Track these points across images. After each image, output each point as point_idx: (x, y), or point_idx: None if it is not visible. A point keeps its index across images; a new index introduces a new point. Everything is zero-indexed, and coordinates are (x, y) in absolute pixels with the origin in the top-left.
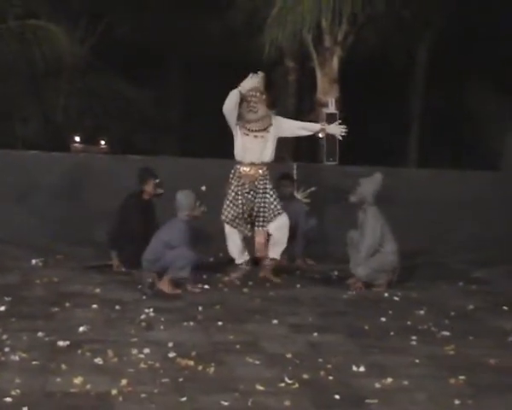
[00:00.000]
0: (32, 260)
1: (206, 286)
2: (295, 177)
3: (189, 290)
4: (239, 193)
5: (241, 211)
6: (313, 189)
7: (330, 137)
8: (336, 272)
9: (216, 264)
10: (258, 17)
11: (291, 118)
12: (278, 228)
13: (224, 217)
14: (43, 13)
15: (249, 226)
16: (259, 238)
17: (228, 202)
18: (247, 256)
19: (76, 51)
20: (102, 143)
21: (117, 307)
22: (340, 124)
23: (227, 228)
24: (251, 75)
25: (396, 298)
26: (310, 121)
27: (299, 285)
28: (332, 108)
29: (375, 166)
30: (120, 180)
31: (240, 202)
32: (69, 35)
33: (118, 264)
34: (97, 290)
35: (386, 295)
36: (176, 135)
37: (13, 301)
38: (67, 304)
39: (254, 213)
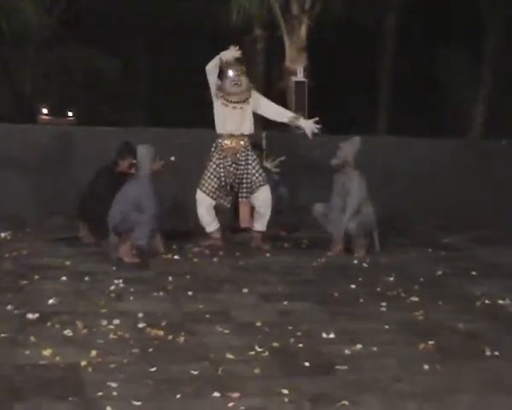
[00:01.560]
0: (1, 233)
1: (177, 256)
2: (264, 146)
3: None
4: (221, 166)
5: (223, 183)
6: (282, 158)
7: (299, 104)
8: (306, 241)
9: (186, 233)
10: None
11: (261, 87)
12: (262, 200)
13: (203, 188)
14: None
15: (229, 198)
16: (244, 209)
17: (208, 174)
18: (217, 224)
19: (43, 21)
20: (70, 114)
21: (86, 278)
22: (314, 119)
23: (200, 196)
24: (231, 46)
25: (365, 265)
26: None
27: (268, 254)
28: (300, 76)
29: (344, 134)
30: (88, 152)
31: (222, 174)
32: (36, 5)
33: (87, 235)
34: (67, 263)
35: (355, 262)
36: (144, 106)
37: None
38: (36, 277)
39: (237, 185)
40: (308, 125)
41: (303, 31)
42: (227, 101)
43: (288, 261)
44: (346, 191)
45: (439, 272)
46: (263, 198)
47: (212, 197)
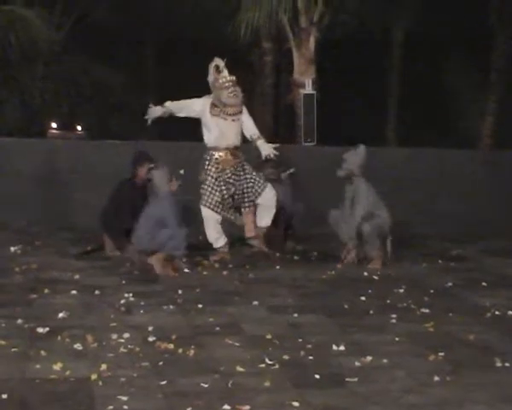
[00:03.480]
0: (11, 247)
1: (186, 269)
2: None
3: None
4: (220, 179)
5: (225, 196)
6: (292, 170)
7: (307, 117)
8: (315, 253)
9: (195, 247)
10: None
11: (269, 100)
12: (266, 199)
13: (207, 204)
14: None
15: (232, 210)
16: (248, 219)
17: (209, 189)
18: (225, 239)
19: (52, 36)
20: (79, 128)
21: (96, 292)
22: (273, 143)
23: (207, 213)
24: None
25: (375, 277)
26: (285, 104)
27: (278, 266)
28: (309, 89)
29: (353, 146)
30: (97, 165)
31: (223, 187)
32: (44, 20)
33: (111, 248)
34: (76, 276)
35: (365, 273)
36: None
37: None
38: (46, 290)
39: (238, 196)
40: (265, 148)
41: (311, 43)
42: (226, 114)
43: (298, 273)
44: (354, 200)
45: (450, 284)
46: (267, 197)
47: (216, 212)
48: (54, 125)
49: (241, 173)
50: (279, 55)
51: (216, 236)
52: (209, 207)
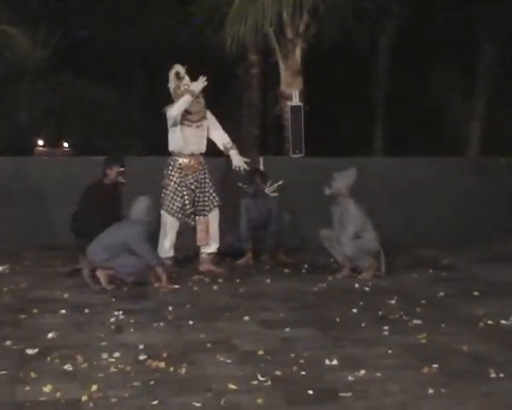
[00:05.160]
0: None
1: (176, 285)
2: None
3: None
4: (182, 185)
5: (186, 202)
6: (281, 182)
7: (295, 128)
8: (306, 265)
9: (183, 261)
10: (219, 12)
11: (256, 112)
12: (214, 221)
13: (168, 209)
14: (2, 17)
15: (192, 216)
16: (202, 228)
17: (171, 195)
18: (172, 252)
19: (37, 54)
20: (66, 145)
21: (86, 310)
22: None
23: (169, 220)
24: (201, 77)
25: (367, 288)
26: (273, 116)
27: (269, 280)
28: (296, 101)
29: (341, 156)
30: (84, 183)
31: (184, 193)
32: (30, 38)
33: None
34: (65, 295)
35: (356, 285)
36: (139, 135)
37: None
38: (35, 310)
39: (196, 204)
40: (236, 160)
41: (298, 54)
42: (190, 121)
43: (289, 287)
44: (342, 221)
45: (441, 294)
46: (215, 220)
47: (176, 217)
48: (40, 142)
49: (202, 182)
50: (266, 67)
51: (169, 245)
52: (170, 213)
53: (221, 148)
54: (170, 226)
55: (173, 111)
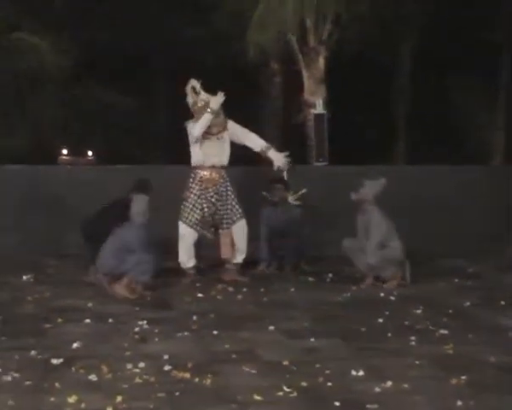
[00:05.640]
0: (23, 275)
1: (200, 294)
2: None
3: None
4: (202, 197)
5: (206, 214)
6: (304, 191)
7: (319, 136)
8: (330, 275)
9: (206, 271)
10: (243, 19)
11: (279, 121)
12: (240, 233)
13: (186, 221)
14: (26, 26)
15: (212, 230)
16: (225, 240)
17: (191, 207)
18: (194, 262)
19: (60, 62)
20: (89, 154)
21: (110, 320)
22: (286, 156)
23: (186, 231)
24: (219, 93)
25: (392, 297)
26: (295, 124)
27: (293, 289)
28: (320, 109)
29: (364, 164)
30: (108, 191)
31: (204, 205)
32: (53, 47)
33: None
34: (89, 304)
35: (381, 295)
36: (163, 143)
37: (4, 320)
38: (60, 320)
39: (218, 217)
40: (277, 158)
41: (321, 62)
42: (210, 134)
43: (313, 296)
44: (367, 229)
45: (467, 303)
46: (239, 231)
47: (195, 229)
48: (64, 151)
49: (224, 194)
50: (288, 75)
51: (187, 256)
52: (188, 225)
53: (257, 150)
54: (188, 238)
55: (194, 132)
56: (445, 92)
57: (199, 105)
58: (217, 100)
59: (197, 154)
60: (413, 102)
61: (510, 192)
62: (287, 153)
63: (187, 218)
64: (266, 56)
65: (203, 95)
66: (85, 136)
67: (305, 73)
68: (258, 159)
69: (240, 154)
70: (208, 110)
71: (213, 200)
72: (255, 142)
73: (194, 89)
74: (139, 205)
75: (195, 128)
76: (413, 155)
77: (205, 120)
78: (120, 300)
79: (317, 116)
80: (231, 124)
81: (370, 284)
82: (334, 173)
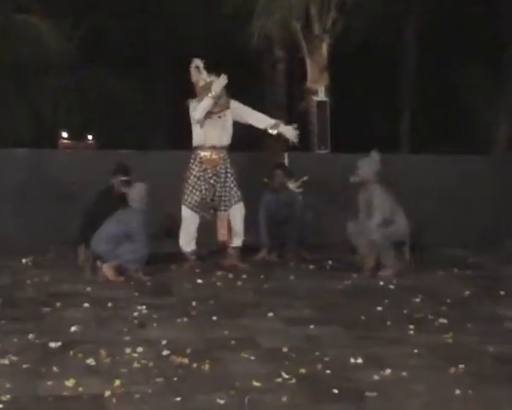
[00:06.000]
0: (23, 259)
1: (199, 281)
2: (287, 166)
3: (137, 278)
4: (201, 178)
5: (204, 196)
6: (306, 178)
7: (321, 124)
8: (330, 262)
9: (207, 257)
10: (246, 6)
11: (282, 108)
12: (237, 216)
13: (186, 203)
14: (29, 8)
15: (212, 211)
16: (222, 222)
17: (190, 188)
18: (194, 246)
19: (63, 46)
20: (90, 138)
21: (109, 304)
22: (295, 128)
23: (187, 214)
24: (222, 76)
25: (391, 286)
26: (298, 112)
27: (292, 277)
28: (322, 96)
29: (367, 152)
30: (108, 176)
31: (203, 187)
32: (56, 31)
33: (84, 258)
34: (88, 289)
35: (381, 283)
36: (164, 129)
37: (2, 303)
38: (58, 304)
39: (216, 198)
40: (288, 131)
41: (324, 50)
42: (211, 113)
43: (313, 284)
44: (369, 207)
45: (467, 293)
46: (237, 214)
47: (195, 211)
48: (64, 134)
49: (223, 176)
50: (292, 62)
51: (187, 239)
52: (188, 207)
53: (264, 128)
54: (190, 220)
55: (195, 116)
56: (450, 80)
57: (200, 85)
58: (219, 83)
59: (198, 134)
60: (418, 90)
61: None
62: (295, 125)
63: (186, 200)
64: (270, 43)
65: (204, 74)
66: (86, 120)
67: (308, 61)
68: (259, 144)
69: (242, 134)
70: (210, 95)
71: (212, 181)
72: (262, 120)
73: (197, 68)
74: (138, 191)
75: (197, 111)
76: (418, 143)
77: (206, 104)
78: (120, 285)
79: (320, 103)
80: (234, 103)
81: (371, 268)
82: (335, 161)
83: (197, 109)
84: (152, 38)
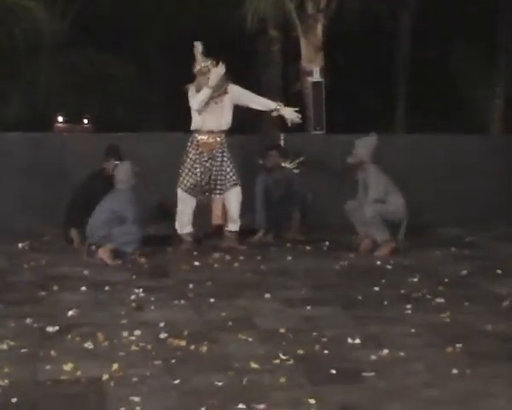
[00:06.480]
0: (19, 243)
1: (196, 263)
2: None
3: (135, 260)
4: (197, 162)
5: (199, 179)
6: (302, 159)
7: (316, 105)
8: (327, 243)
9: (204, 238)
10: None
11: (277, 89)
12: (232, 200)
13: (182, 185)
14: None
15: (207, 194)
16: (217, 206)
17: (186, 171)
18: (190, 228)
19: (56, 27)
20: (85, 121)
21: (106, 288)
22: (296, 111)
23: (183, 196)
24: (220, 64)
25: (388, 266)
26: (294, 92)
27: (290, 257)
28: (317, 77)
29: (363, 133)
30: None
31: (198, 170)
32: (48, 11)
33: (79, 241)
34: (85, 272)
35: (378, 263)
36: (161, 111)
37: (0, 288)
38: (56, 287)
39: (212, 182)
40: (289, 114)
41: (319, 30)
42: (208, 99)
43: (310, 265)
44: (366, 187)
45: (464, 272)
46: (233, 198)
47: (190, 194)
48: (60, 118)
49: (219, 159)
50: (286, 43)
51: (183, 221)
52: (184, 190)
53: (266, 110)
54: (186, 202)
55: (193, 105)
56: (445, 60)
57: (198, 68)
58: (216, 73)
59: (196, 118)
60: (413, 70)
61: (509, 162)
62: (296, 108)
63: (182, 182)
64: (265, 24)
65: (201, 59)
66: (81, 103)
67: (302, 41)
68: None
69: (239, 117)
70: (207, 87)
71: (208, 164)
72: (262, 102)
73: (196, 52)
74: (123, 171)
75: (195, 101)
76: (413, 123)
77: (204, 95)
78: (117, 268)
79: (315, 84)
80: (232, 87)
81: (368, 246)
82: (331, 142)
83: (195, 99)
84: (148, 19)
